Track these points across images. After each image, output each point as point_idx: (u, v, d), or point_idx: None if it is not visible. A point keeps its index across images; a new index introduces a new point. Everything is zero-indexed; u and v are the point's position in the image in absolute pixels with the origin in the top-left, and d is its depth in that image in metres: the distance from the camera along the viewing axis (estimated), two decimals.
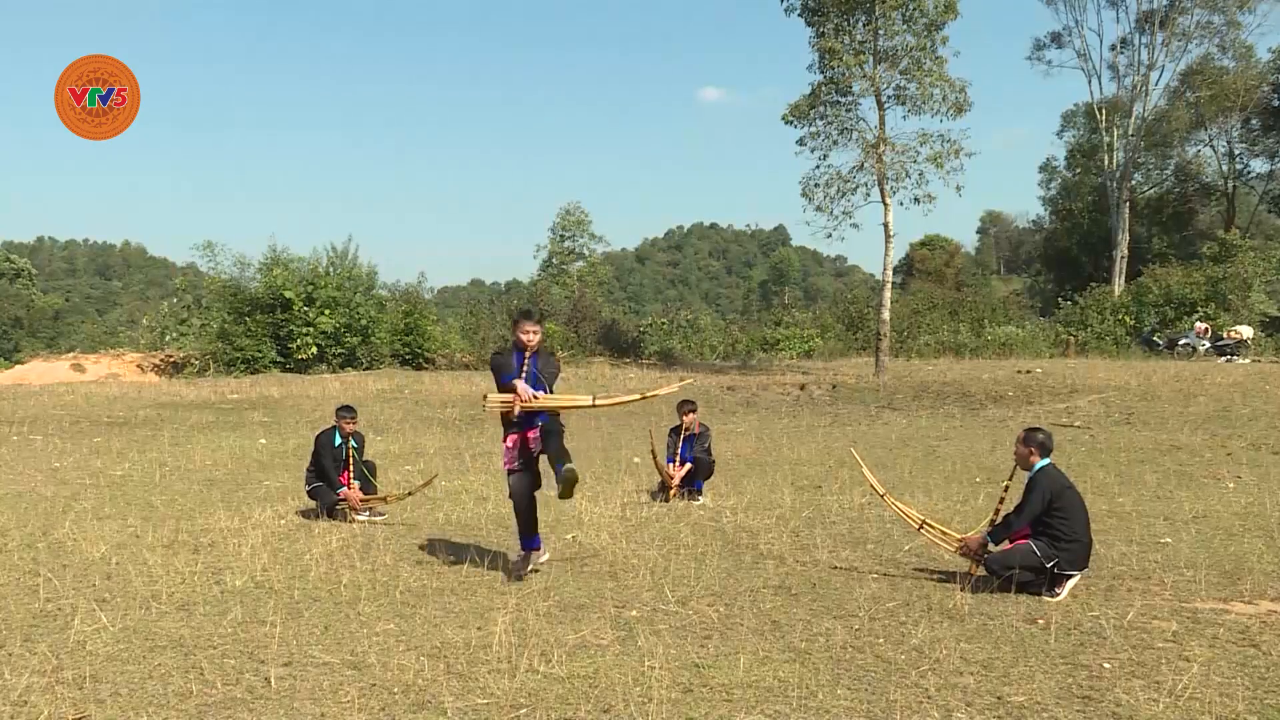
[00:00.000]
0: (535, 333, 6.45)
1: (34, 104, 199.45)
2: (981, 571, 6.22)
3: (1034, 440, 6.19)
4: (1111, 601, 5.80)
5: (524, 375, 6.33)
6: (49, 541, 7.56)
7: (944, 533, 6.62)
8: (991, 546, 6.22)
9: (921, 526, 6.69)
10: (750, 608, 5.73)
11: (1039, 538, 5.97)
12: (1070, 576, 5.95)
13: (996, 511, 6.37)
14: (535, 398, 6.29)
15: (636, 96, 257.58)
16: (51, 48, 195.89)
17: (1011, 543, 6.11)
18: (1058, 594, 5.87)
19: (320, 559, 6.87)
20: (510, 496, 6.57)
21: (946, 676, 4.58)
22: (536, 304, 35.38)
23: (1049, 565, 5.88)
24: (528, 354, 6.41)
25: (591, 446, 13.65)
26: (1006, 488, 6.50)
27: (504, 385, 6.37)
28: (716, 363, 31.58)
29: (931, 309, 36.41)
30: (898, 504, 6.95)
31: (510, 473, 6.50)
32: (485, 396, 6.54)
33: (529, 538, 6.63)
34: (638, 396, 6.96)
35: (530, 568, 6.58)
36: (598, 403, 6.80)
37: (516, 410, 6.29)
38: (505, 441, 6.51)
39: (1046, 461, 6.16)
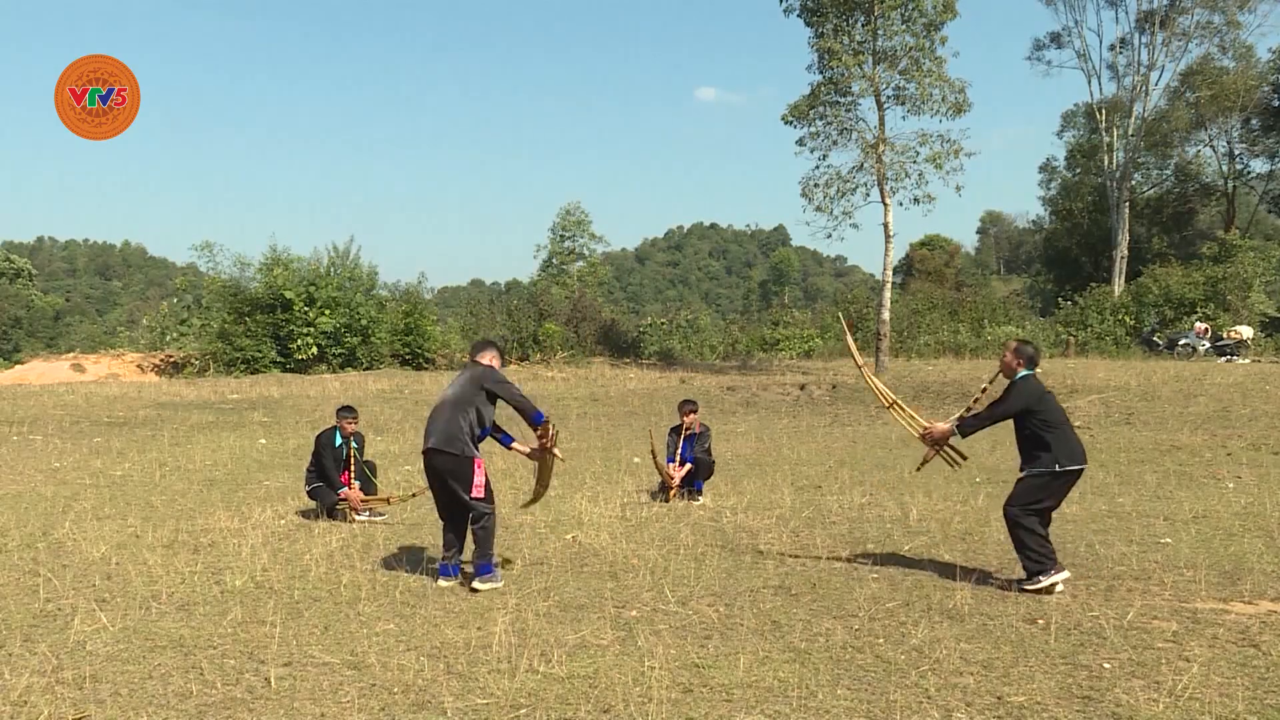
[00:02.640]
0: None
1: (34, 104, 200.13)
2: (934, 456, 6.52)
3: (1024, 353, 6.34)
4: (1111, 601, 5.80)
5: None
6: (49, 541, 7.56)
7: (912, 416, 6.81)
8: (957, 438, 6.40)
9: (892, 406, 6.91)
10: (750, 608, 5.73)
11: (1032, 462, 6.12)
12: (1076, 474, 6.06)
13: (968, 410, 6.54)
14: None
15: (635, 97, 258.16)
16: (51, 48, 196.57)
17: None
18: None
19: (320, 559, 6.87)
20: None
21: (946, 676, 4.58)
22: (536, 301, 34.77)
23: (1056, 468, 6.02)
24: None
25: (592, 446, 13.65)
26: (985, 389, 6.63)
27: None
28: (716, 363, 31.57)
29: (931, 309, 36.34)
30: (873, 379, 7.19)
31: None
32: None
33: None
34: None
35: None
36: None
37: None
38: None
39: (1029, 372, 6.31)
